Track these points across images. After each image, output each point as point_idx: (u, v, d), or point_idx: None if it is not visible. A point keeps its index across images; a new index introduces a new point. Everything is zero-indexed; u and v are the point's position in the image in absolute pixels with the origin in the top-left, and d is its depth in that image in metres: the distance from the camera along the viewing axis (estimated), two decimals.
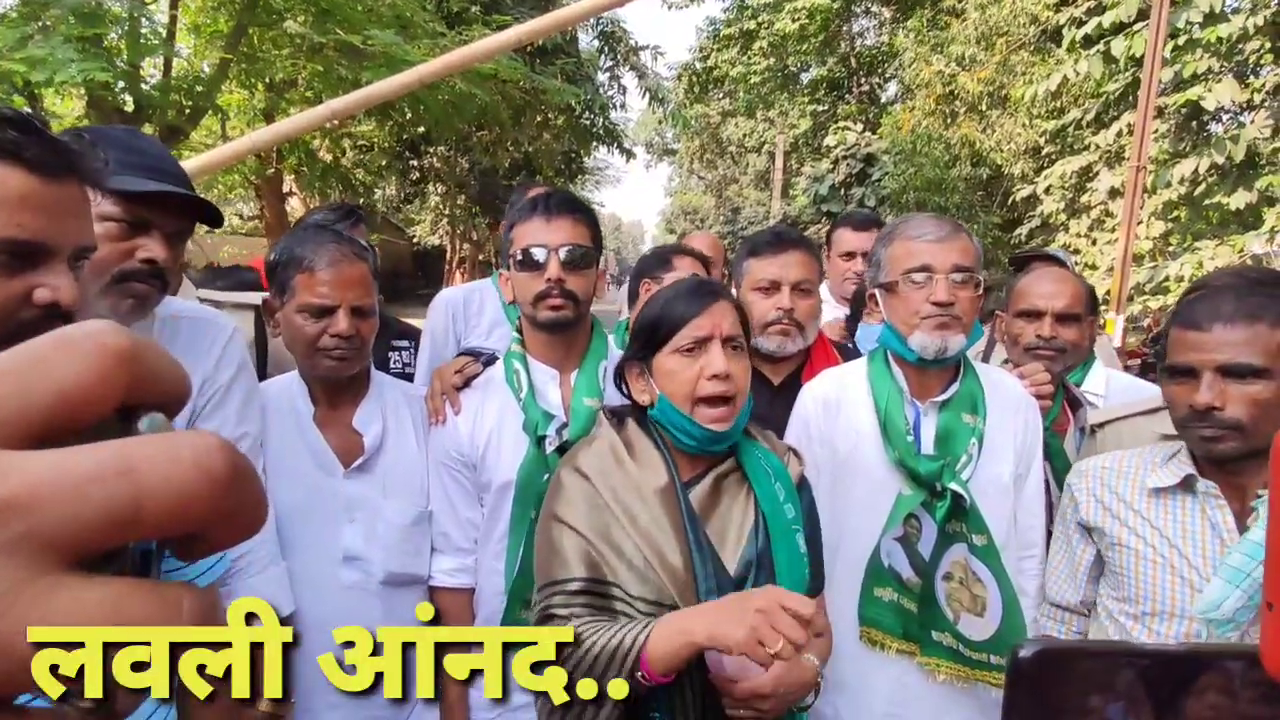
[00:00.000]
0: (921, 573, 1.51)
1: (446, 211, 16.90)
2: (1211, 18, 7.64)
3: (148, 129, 6.86)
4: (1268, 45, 7.69)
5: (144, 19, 5.94)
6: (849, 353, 2.02)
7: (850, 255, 2.72)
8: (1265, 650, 0.32)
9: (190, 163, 3.33)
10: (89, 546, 0.19)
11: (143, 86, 6.21)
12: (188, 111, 6.95)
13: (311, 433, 1.54)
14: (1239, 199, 7.82)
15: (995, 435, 1.55)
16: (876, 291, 1.64)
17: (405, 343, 2.38)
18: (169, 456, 0.20)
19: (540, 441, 1.50)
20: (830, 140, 16.35)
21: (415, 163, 14.79)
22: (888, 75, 18.12)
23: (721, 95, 21.51)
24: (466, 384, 1.64)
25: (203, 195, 1.36)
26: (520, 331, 1.65)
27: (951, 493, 1.45)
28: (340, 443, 1.56)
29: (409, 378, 2.17)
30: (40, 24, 4.81)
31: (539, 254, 1.54)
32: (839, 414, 1.66)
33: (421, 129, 11.14)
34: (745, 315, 1.33)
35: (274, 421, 1.52)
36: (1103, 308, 8.44)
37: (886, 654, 1.54)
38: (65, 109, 8.17)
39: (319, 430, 1.55)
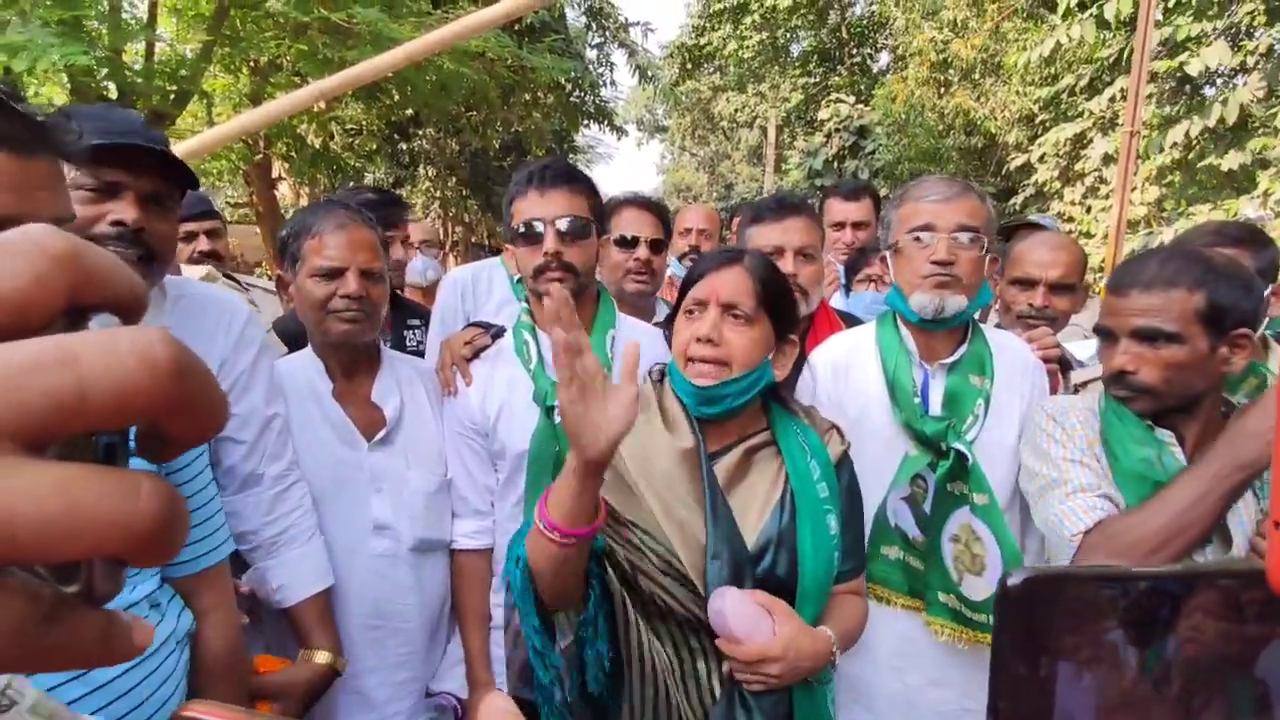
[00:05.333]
0: (927, 532, 1.52)
1: (438, 194, 16.75)
2: None
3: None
4: (1261, 8, 7.63)
5: (124, 3, 5.83)
6: (850, 319, 2.02)
7: (840, 225, 2.71)
8: (1272, 565, 0.32)
9: (179, 147, 3.29)
10: (38, 434, 0.19)
11: (126, 73, 6.10)
12: (172, 96, 6.84)
13: (333, 408, 1.57)
14: (1231, 160, 7.80)
15: (1002, 398, 1.55)
16: (886, 254, 1.65)
17: (419, 322, 2.43)
18: (108, 347, 0.20)
19: (550, 411, 1.50)
20: (823, 114, 16.22)
21: (405, 145, 14.63)
22: (879, 45, 17.95)
23: (712, 70, 21.28)
24: (476, 355, 1.66)
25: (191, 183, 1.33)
26: (529, 303, 1.65)
27: (955, 452, 1.46)
28: (361, 416, 1.59)
29: (423, 356, 2.20)
30: (18, 10, 4.71)
31: (536, 227, 1.55)
32: (848, 377, 1.66)
33: (410, 111, 11.00)
34: (779, 286, 1.29)
35: (292, 398, 1.54)
36: (1099, 274, 8.47)
37: (893, 609, 1.56)
38: (48, 96, 8.04)
39: (339, 405, 1.58)
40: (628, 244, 2.05)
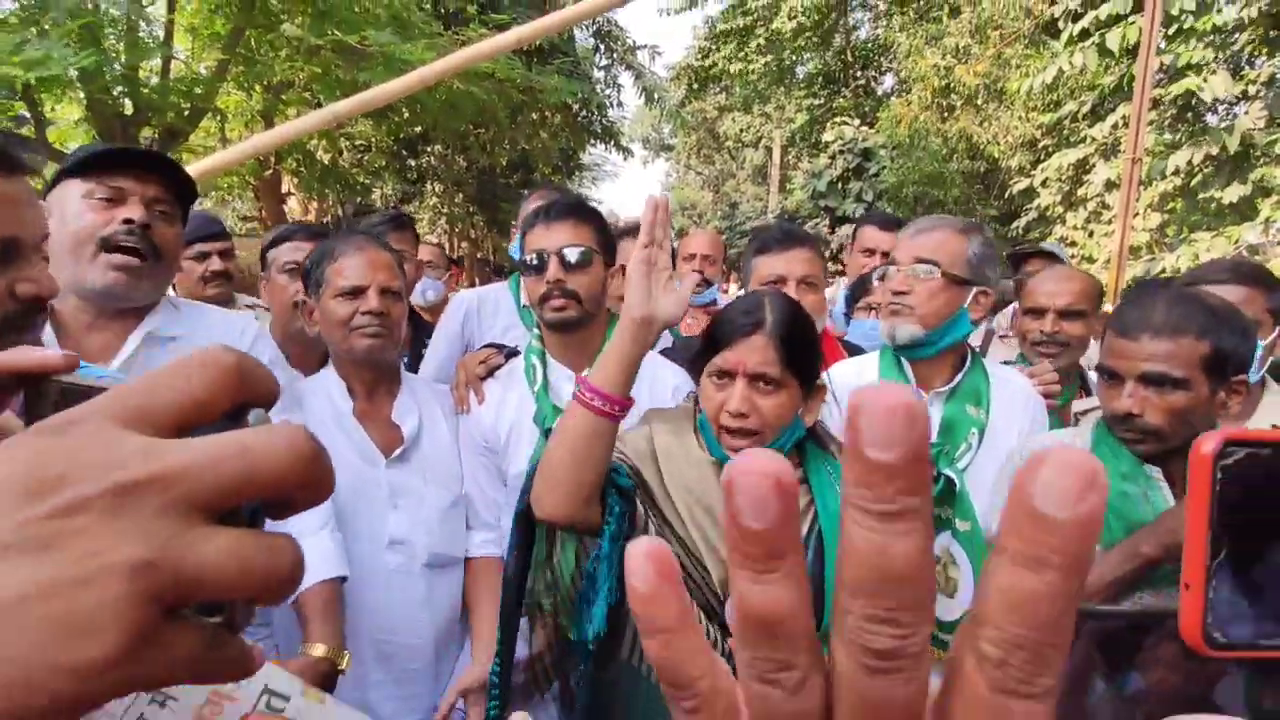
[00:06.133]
0: None
1: (444, 210, 16.90)
2: (1205, 6, 7.68)
3: (147, 131, 6.87)
4: (1261, 36, 7.73)
5: (141, 21, 5.94)
6: (851, 347, 2.06)
7: (870, 252, 2.75)
8: (1183, 623, 0.36)
9: (194, 166, 3.36)
10: (217, 506, 0.25)
11: (142, 90, 6.21)
12: (186, 113, 6.96)
13: (353, 426, 1.63)
14: (1233, 192, 7.86)
15: (998, 430, 1.58)
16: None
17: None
18: (272, 442, 0.27)
19: (548, 434, 1.54)
20: (828, 135, 16.37)
21: (413, 162, 14.79)
22: (884, 69, 18.14)
23: (718, 91, 21.51)
24: (490, 374, 1.71)
25: (203, 200, 1.41)
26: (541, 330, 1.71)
27: (945, 477, 1.49)
28: (380, 435, 1.65)
29: None
30: (38, 28, 4.82)
31: (541, 257, 1.62)
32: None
33: (419, 129, 11.14)
34: (802, 340, 1.29)
35: (314, 417, 1.60)
36: (1100, 299, 8.51)
37: None
38: (64, 114, 8.17)
39: (359, 424, 1.64)
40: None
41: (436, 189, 16.27)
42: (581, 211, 1.66)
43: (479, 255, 18.22)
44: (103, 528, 0.23)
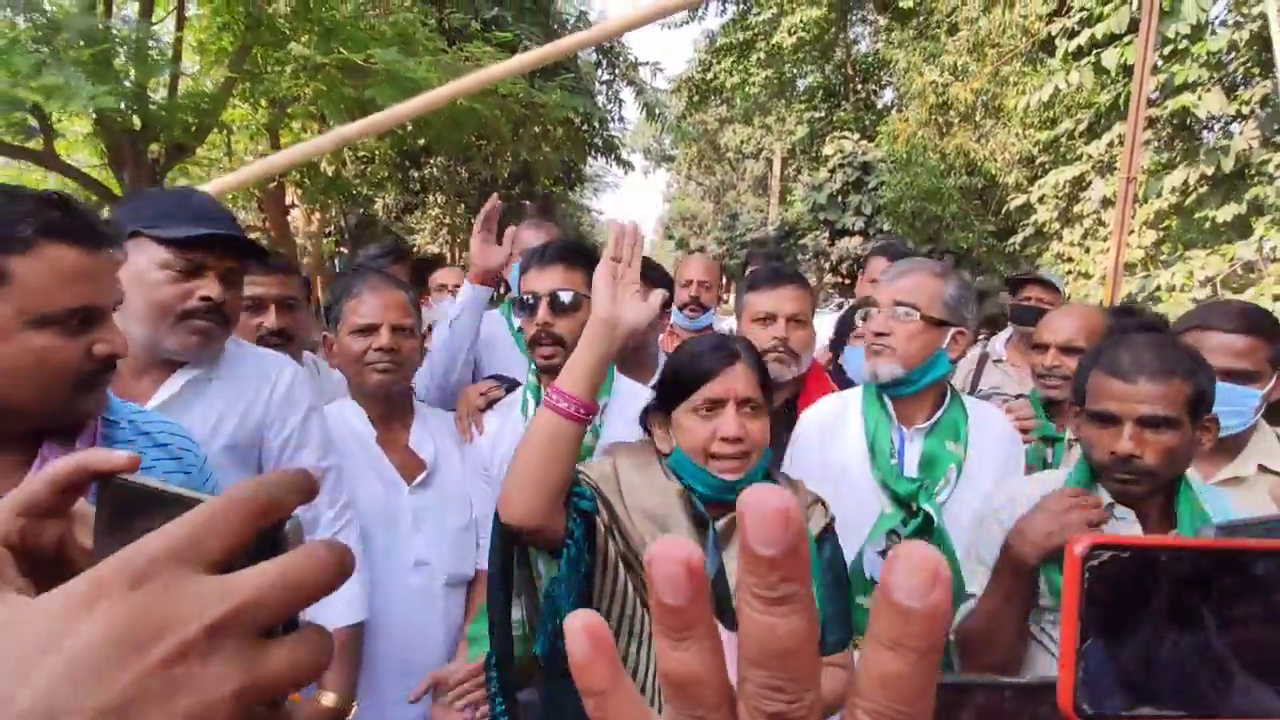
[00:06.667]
0: None
1: (447, 220, 17.00)
2: (1199, 29, 7.77)
3: (154, 146, 6.97)
4: (1254, 58, 7.82)
5: (150, 41, 6.04)
6: (842, 378, 2.13)
7: (876, 282, 2.83)
8: (1059, 697, 0.44)
9: (207, 186, 3.43)
10: (274, 624, 0.32)
11: (150, 106, 6.31)
12: (193, 129, 7.05)
13: (377, 454, 1.74)
14: (1227, 211, 7.94)
15: (976, 465, 1.66)
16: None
17: None
18: (311, 565, 0.33)
19: None
20: (828, 149, 16.48)
21: (415, 173, 14.89)
22: (884, 83, 18.26)
23: (719, 103, 21.65)
24: (490, 406, 1.80)
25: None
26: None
27: (925, 512, 1.57)
28: (401, 461, 1.76)
29: None
30: (51, 48, 4.91)
31: (530, 299, 1.70)
32: (834, 436, 1.77)
33: (422, 141, 11.24)
34: (766, 371, 1.39)
35: (338, 445, 1.69)
36: None
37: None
38: (72, 125, 8.27)
39: (382, 451, 1.75)
40: None
41: (438, 200, 16.38)
42: (573, 255, 1.73)
43: None
44: (204, 669, 0.29)
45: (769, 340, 1.89)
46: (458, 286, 3.53)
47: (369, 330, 1.69)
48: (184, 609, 0.30)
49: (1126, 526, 1.37)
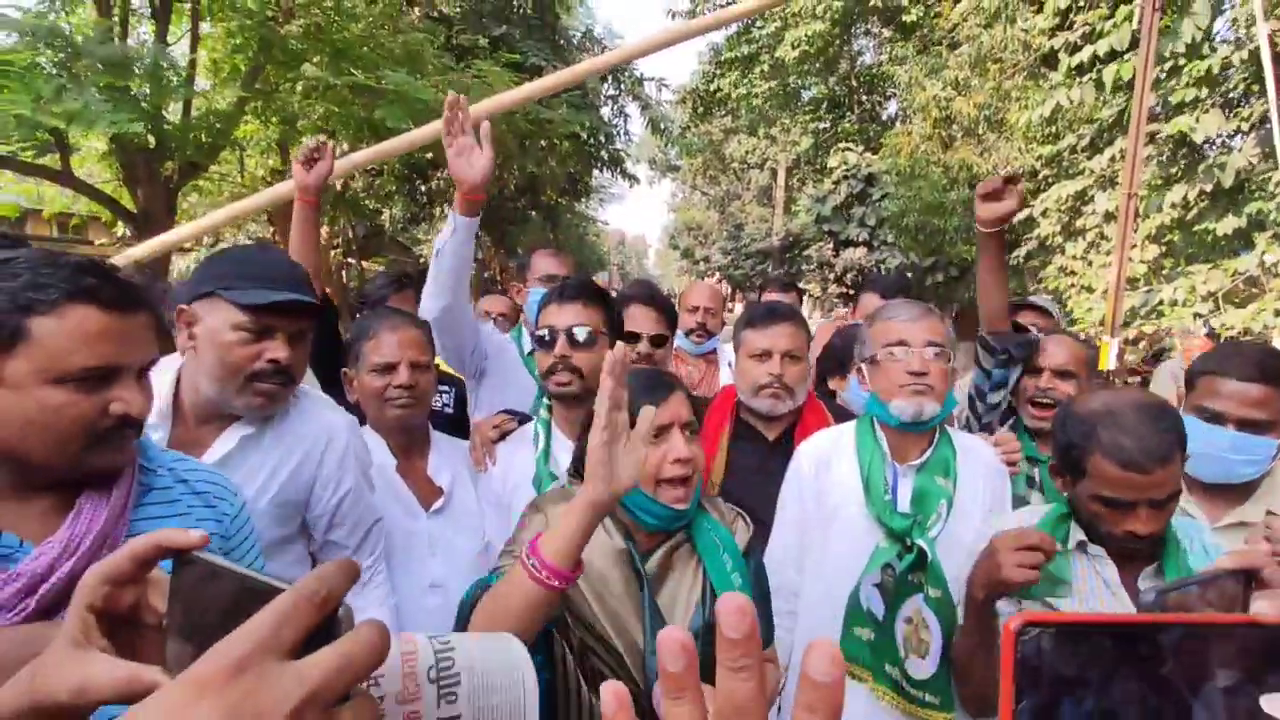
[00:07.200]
0: (887, 609, 1.69)
1: None
2: (1193, 47, 7.85)
3: (169, 165, 7.11)
4: (1254, 75, 7.88)
5: (165, 64, 6.17)
6: (839, 410, 2.21)
7: (871, 319, 2.90)
8: None
9: (223, 211, 3.54)
10: (338, 700, 0.41)
11: (165, 126, 6.44)
12: (206, 147, 7.20)
13: (397, 482, 1.83)
14: (1227, 224, 7.99)
15: (964, 498, 1.72)
16: (862, 365, 1.85)
17: (445, 387, 2.68)
18: (363, 648, 0.42)
19: None
20: (832, 161, 16.59)
21: (423, 186, 15.04)
22: (888, 93, 18.36)
23: (724, 113, 21.79)
24: (502, 438, 1.90)
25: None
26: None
27: (919, 547, 1.63)
28: (419, 489, 1.85)
29: (448, 418, 2.50)
30: (71, 73, 5.04)
31: (548, 335, 1.79)
32: (829, 471, 1.84)
33: (429, 155, 11.38)
34: (695, 401, 1.44)
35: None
36: (1099, 328, 8.62)
37: (866, 687, 1.73)
38: (87, 141, 8.42)
39: (402, 479, 1.84)
40: (631, 338, 2.25)
41: (445, 212, 16.53)
42: (590, 294, 1.84)
43: (486, 274, 18.46)
44: None
45: (765, 376, 1.97)
46: (503, 315, 3.53)
47: (388, 369, 1.78)
48: (272, 697, 0.39)
49: (1102, 564, 1.43)
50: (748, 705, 0.35)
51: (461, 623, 1.20)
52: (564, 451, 1.80)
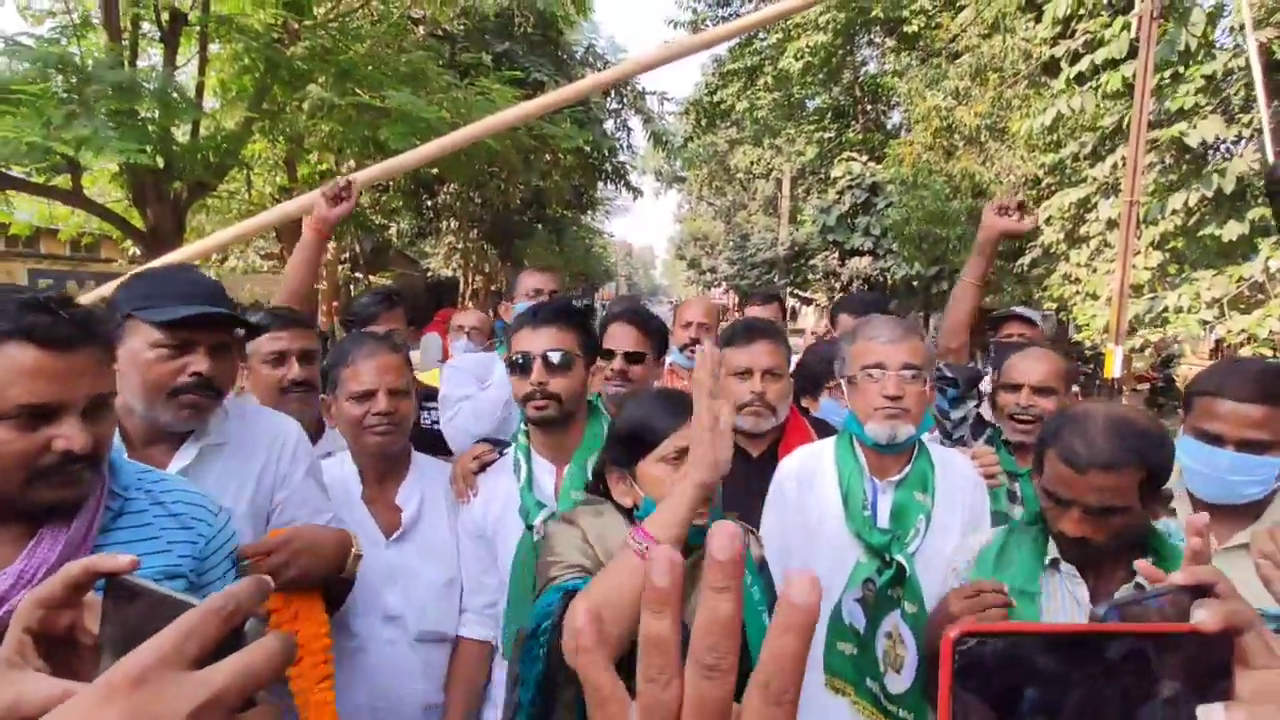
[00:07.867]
0: (867, 625, 1.72)
1: (459, 245, 17.28)
2: (1187, 53, 7.87)
3: (177, 185, 7.23)
4: (1254, 82, 7.88)
5: (172, 89, 6.30)
6: (821, 425, 2.24)
7: (854, 337, 2.93)
8: None
9: (231, 229, 3.61)
10: (240, 705, 0.45)
11: (173, 148, 6.56)
12: (214, 167, 7.31)
13: (360, 509, 1.81)
14: (1231, 230, 7.97)
15: (942, 513, 1.75)
16: (842, 382, 1.87)
17: (435, 404, 2.63)
18: (267, 657, 0.46)
19: (531, 528, 1.71)
20: (836, 171, 16.63)
21: (429, 201, 15.18)
22: (892, 102, 18.39)
23: (728, 124, 21.88)
24: (483, 469, 1.88)
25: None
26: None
27: (897, 562, 1.66)
28: (384, 516, 1.82)
29: (437, 435, 2.43)
30: (80, 99, 5.15)
31: (524, 360, 1.77)
32: (810, 488, 1.87)
33: (435, 170, 11.51)
34: None
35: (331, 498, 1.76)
36: (1104, 336, 8.59)
37: (848, 700, 1.75)
38: (97, 161, 8.57)
39: (366, 506, 1.82)
40: (608, 356, 2.25)
41: (451, 225, 16.66)
42: (565, 317, 1.81)
43: (492, 287, 18.58)
44: None
45: (747, 394, 1.99)
46: (475, 329, 3.64)
47: (366, 396, 1.76)
48: (173, 704, 0.43)
49: (1073, 583, 1.45)
50: (728, 623, 0.37)
51: (512, 654, 1.23)
52: (546, 475, 1.80)
